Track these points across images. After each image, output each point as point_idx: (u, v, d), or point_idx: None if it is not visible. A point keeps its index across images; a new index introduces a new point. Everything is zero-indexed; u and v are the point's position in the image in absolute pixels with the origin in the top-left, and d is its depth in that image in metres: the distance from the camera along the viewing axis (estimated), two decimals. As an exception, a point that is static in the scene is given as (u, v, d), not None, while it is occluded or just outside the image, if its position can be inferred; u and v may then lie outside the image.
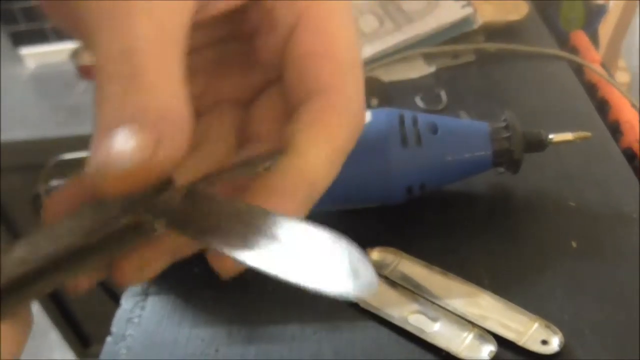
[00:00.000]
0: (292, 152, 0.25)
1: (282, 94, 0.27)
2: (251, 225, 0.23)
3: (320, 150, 0.25)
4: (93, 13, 0.22)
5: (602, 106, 0.76)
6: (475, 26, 0.83)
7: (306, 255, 0.22)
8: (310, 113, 0.25)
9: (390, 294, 0.50)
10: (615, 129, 0.72)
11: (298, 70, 0.26)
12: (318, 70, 0.26)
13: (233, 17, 0.26)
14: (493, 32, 0.85)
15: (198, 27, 0.24)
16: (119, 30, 0.21)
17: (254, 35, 0.27)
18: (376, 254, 0.53)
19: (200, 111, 0.27)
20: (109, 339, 0.52)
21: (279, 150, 0.25)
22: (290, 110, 0.26)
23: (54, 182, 0.62)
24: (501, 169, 0.57)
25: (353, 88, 0.26)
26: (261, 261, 0.22)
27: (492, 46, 0.82)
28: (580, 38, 0.90)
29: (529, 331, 0.45)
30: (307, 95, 0.26)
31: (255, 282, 0.55)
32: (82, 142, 0.30)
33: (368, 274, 0.21)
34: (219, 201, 0.24)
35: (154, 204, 0.23)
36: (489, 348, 0.44)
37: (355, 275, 0.21)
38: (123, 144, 0.21)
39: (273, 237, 0.23)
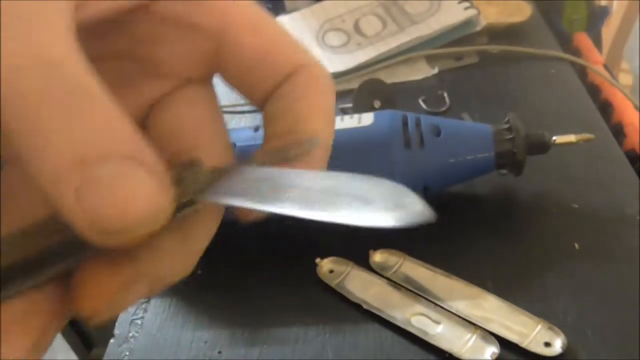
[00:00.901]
0: (305, 127, 0.24)
1: (201, 95, 0.25)
2: (282, 183, 0.21)
3: (322, 117, 0.25)
4: None
5: (605, 108, 0.76)
6: (478, 28, 0.83)
7: (346, 195, 0.21)
8: (299, 88, 0.24)
9: (393, 295, 0.50)
10: (618, 131, 0.72)
11: (256, 66, 0.24)
12: (281, 57, 0.24)
13: (105, 32, 0.22)
14: (496, 33, 0.85)
15: None
16: (25, 38, 0.16)
17: (148, 47, 0.24)
18: (379, 255, 0.53)
19: None
20: (112, 341, 0.52)
21: (304, 140, 0.25)
22: (255, 101, 0.25)
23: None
24: (504, 171, 0.57)
25: (316, 58, 0.25)
26: (300, 208, 0.20)
27: (495, 48, 0.82)
28: (583, 40, 0.90)
29: (531, 333, 0.45)
30: (281, 79, 0.24)
31: (258, 284, 0.55)
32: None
33: (415, 202, 0.21)
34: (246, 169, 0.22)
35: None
36: (492, 350, 0.44)
37: (400, 205, 0.21)
38: (121, 192, 0.16)
39: (307, 188, 0.21)
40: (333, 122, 0.25)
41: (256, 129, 0.57)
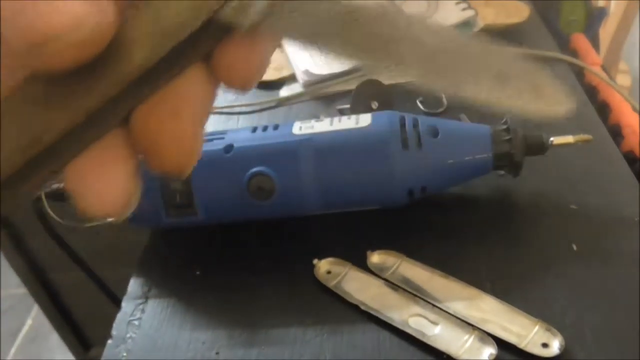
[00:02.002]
0: None
1: None
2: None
3: None
4: None
5: (603, 109, 0.76)
6: (476, 29, 0.83)
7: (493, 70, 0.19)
8: None
9: (391, 296, 0.50)
10: (616, 132, 0.72)
11: None
12: None
13: None
14: (494, 34, 0.84)
15: None
16: None
17: None
18: (377, 256, 0.53)
19: None
20: (109, 341, 0.52)
21: None
22: None
23: (55, 185, 0.62)
24: (502, 172, 0.57)
25: None
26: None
27: (492, 49, 0.81)
28: (580, 41, 0.90)
29: (529, 334, 0.45)
30: None
31: (256, 285, 0.55)
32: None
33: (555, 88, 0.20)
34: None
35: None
36: (490, 351, 0.44)
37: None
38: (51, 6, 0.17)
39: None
40: None
41: (254, 129, 0.57)
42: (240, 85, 0.22)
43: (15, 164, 0.19)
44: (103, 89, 0.19)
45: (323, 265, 0.54)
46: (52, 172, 0.20)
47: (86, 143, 0.20)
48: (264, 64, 0.22)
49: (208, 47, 0.21)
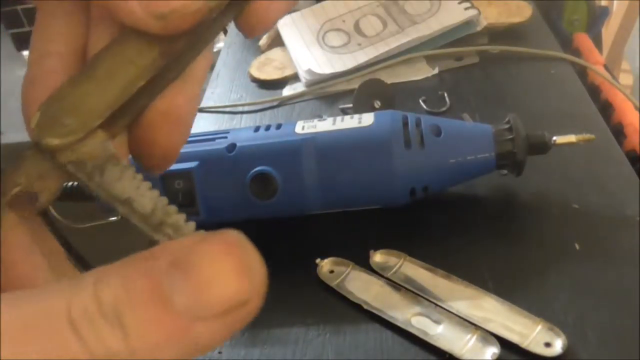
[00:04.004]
0: None
1: None
2: None
3: None
4: None
5: (606, 108, 0.76)
6: (479, 28, 0.83)
7: None
8: None
9: (394, 296, 0.50)
10: (618, 132, 0.72)
11: None
12: None
13: None
14: (496, 34, 0.85)
15: None
16: None
17: None
18: (379, 256, 0.53)
19: None
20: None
21: None
22: None
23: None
24: (504, 171, 0.57)
25: None
26: None
27: (495, 48, 0.82)
28: (583, 40, 0.90)
29: (532, 333, 0.45)
30: None
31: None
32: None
33: None
34: None
35: None
36: (492, 350, 0.44)
37: None
38: None
39: None
40: None
41: (256, 129, 0.57)
42: None
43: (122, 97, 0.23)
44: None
45: (325, 265, 0.54)
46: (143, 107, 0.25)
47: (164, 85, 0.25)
48: None
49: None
